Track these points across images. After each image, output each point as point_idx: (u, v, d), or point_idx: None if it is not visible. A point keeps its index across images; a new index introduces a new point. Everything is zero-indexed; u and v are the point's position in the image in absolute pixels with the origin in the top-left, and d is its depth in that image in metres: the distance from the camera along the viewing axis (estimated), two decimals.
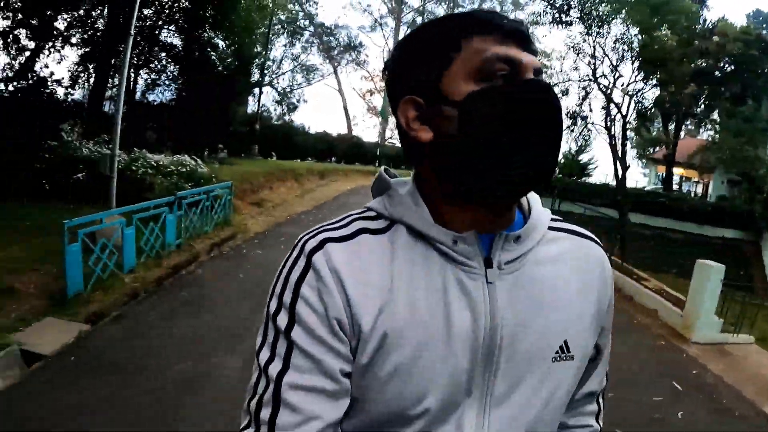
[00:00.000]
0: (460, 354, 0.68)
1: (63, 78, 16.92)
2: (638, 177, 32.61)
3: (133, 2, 7.08)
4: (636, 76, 11.72)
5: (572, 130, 14.44)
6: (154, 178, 9.60)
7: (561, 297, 0.75)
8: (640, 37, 10.86)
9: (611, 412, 3.82)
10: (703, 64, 14.16)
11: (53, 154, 10.97)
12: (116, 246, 6.07)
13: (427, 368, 0.68)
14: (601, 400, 0.91)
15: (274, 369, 0.67)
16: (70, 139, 11.70)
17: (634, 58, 11.31)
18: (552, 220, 0.80)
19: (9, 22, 15.52)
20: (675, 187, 25.40)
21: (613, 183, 15.37)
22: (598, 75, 11.70)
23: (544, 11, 11.99)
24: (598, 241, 0.84)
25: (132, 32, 7.07)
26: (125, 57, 7.32)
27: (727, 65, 15.59)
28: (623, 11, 10.79)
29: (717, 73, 15.63)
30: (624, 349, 5.81)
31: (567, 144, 14.50)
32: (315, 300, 0.67)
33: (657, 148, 24.96)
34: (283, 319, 0.68)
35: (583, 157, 25.98)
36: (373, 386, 0.68)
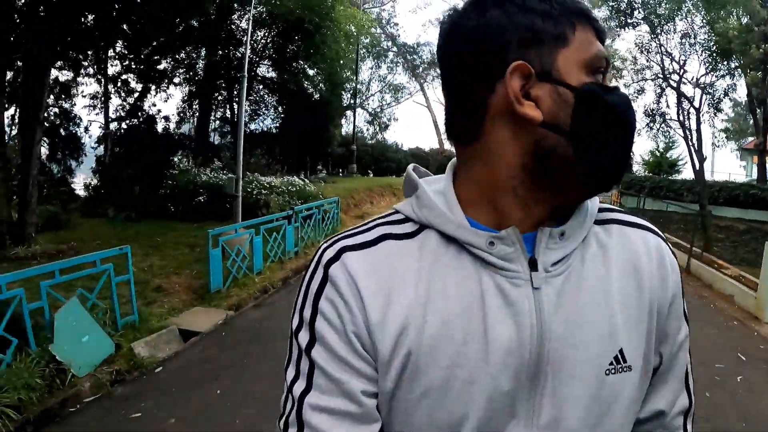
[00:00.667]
0: (501, 373, 0.61)
1: (170, 114, 19.29)
2: (737, 170, 30.84)
3: (242, 45, 8.52)
4: (705, 69, 11.89)
5: (651, 128, 14.50)
6: (269, 197, 11.21)
7: (613, 299, 0.66)
8: (705, 30, 11.11)
9: None
10: None
11: (175, 180, 12.87)
12: (247, 252, 7.51)
13: (462, 392, 0.61)
14: (682, 423, 0.75)
15: (298, 388, 0.63)
16: (188, 167, 13.64)
17: (701, 52, 11.52)
18: (600, 210, 0.71)
19: (119, 68, 18.00)
20: None
21: (713, 178, 14.92)
22: (667, 72, 11.98)
23: (609, 17, 12.47)
24: (657, 230, 0.74)
25: (246, 73, 8.54)
26: (242, 93, 8.86)
27: None
28: (684, 8, 11.11)
29: None
30: (696, 329, 6.31)
31: (651, 141, 14.56)
32: (333, 315, 0.63)
33: (749, 139, 23.80)
34: (304, 337, 0.64)
35: (672, 154, 25.27)
36: (400, 410, 0.63)
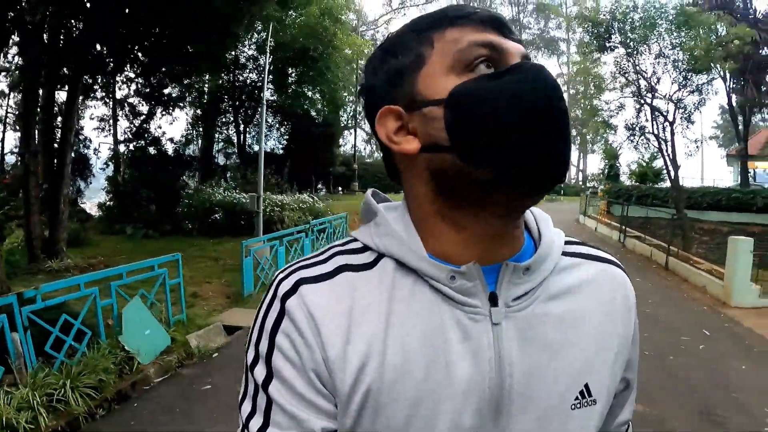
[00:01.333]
0: (463, 410, 0.59)
1: (175, 136, 20.09)
2: (727, 176, 32.13)
3: (261, 72, 9.56)
4: (677, 86, 13.16)
5: (632, 141, 15.63)
6: (283, 214, 12.19)
7: (580, 334, 0.65)
8: (675, 51, 12.43)
9: (645, 343, 5.52)
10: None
11: (190, 200, 13.72)
12: (272, 261, 8.45)
13: (424, 428, 0.59)
14: (630, 428, 0.80)
15: (255, 424, 0.61)
16: (201, 187, 14.54)
17: (672, 70, 12.81)
18: (566, 243, 0.71)
19: (126, 91, 18.69)
20: (751, 181, 25.27)
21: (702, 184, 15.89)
22: (643, 90, 13.23)
23: (589, 41, 13.78)
24: (620, 264, 0.74)
25: (264, 101, 9.57)
26: (262, 118, 9.89)
27: None
28: (656, 31, 12.43)
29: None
30: (671, 314, 7.36)
31: (636, 153, 15.73)
32: (291, 351, 0.60)
33: (735, 145, 25.14)
34: (260, 372, 0.62)
35: (656, 164, 26.50)
36: None
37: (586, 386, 0.64)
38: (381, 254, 0.65)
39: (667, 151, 13.64)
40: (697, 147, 15.41)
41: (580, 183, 45.49)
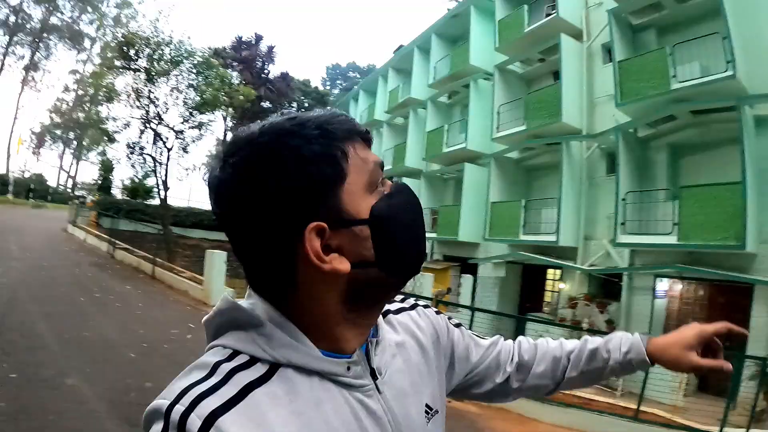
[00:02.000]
0: None
1: None
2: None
3: None
4: (182, 119, 15.40)
5: (129, 158, 16.46)
6: None
7: (415, 374, 0.78)
8: (189, 90, 14.83)
9: (142, 338, 6.58)
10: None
11: None
12: None
13: None
14: (513, 346, 1.01)
15: None
16: None
17: (182, 105, 15.00)
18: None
19: None
20: None
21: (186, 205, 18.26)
22: (152, 115, 14.70)
23: (115, 55, 14.23)
24: (420, 302, 0.90)
25: None
26: None
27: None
28: (178, 69, 14.45)
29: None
30: (160, 314, 8.71)
31: (132, 169, 16.60)
32: None
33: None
34: None
35: (149, 182, 28.18)
36: None
37: (427, 405, 0.78)
38: (275, 364, 0.62)
39: (160, 172, 15.53)
40: (188, 173, 18.04)
41: (69, 190, 42.60)
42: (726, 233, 8.75)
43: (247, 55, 33.31)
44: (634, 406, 7.13)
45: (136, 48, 13.81)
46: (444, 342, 0.87)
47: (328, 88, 56.37)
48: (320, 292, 0.64)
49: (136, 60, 13.83)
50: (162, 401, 0.57)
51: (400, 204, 0.66)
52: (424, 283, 12.45)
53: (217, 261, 10.45)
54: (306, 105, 38.28)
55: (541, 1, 14.46)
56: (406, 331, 0.82)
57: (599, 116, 12.39)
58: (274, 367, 0.62)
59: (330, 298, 0.64)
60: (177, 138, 15.32)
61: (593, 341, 1.00)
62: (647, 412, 7.41)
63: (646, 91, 10.48)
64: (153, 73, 13.92)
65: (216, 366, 0.61)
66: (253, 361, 0.62)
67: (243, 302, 0.67)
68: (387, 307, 0.82)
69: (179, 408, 0.55)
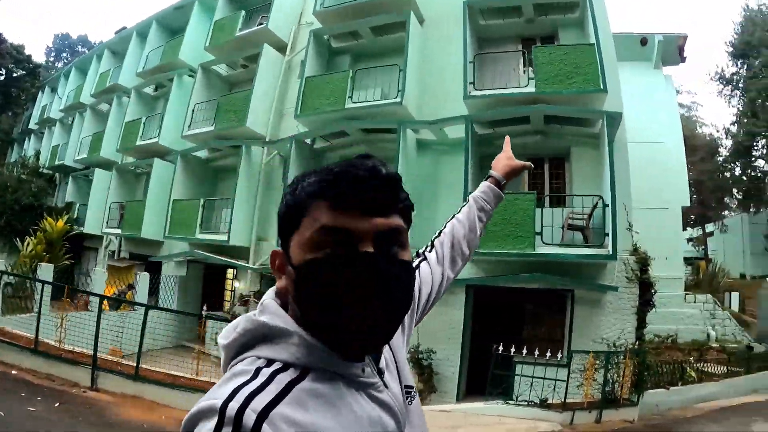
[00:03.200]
0: None
1: None
2: None
3: None
4: None
5: None
6: None
7: (399, 358, 0.92)
8: None
9: None
10: None
11: None
12: None
13: None
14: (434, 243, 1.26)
15: None
16: None
17: None
18: None
19: None
20: None
21: None
22: None
23: None
24: None
25: None
26: None
27: None
28: None
29: None
30: None
31: None
32: None
33: None
34: None
35: None
36: None
37: (407, 386, 0.91)
38: (306, 368, 0.73)
39: None
40: None
41: None
42: None
43: None
44: None
45: None
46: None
47: (51, 60, 48.09)
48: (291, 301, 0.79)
49: None
50: (213, 401, 0.64)
51: (316, 275, 0.73)
52: (96, 280, 11.46)
53: None
54: (14, 75, 32.04)
55: (260, 9, 14.79)
56: None
57: (285, 126, 13.09)
58: (305, 371, 0.73)
59: (293, 310, 0.78)
60: None
61: (472, 197, 1.38)
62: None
63: (324, 107, 11.49)
64: None
65: (258, 370, 0.71)
66: (287, 366, 0.72)
67: (265, 318, 0.77)
68: None
69: (234, 405, 0.63)
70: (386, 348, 0.88)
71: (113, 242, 17.33)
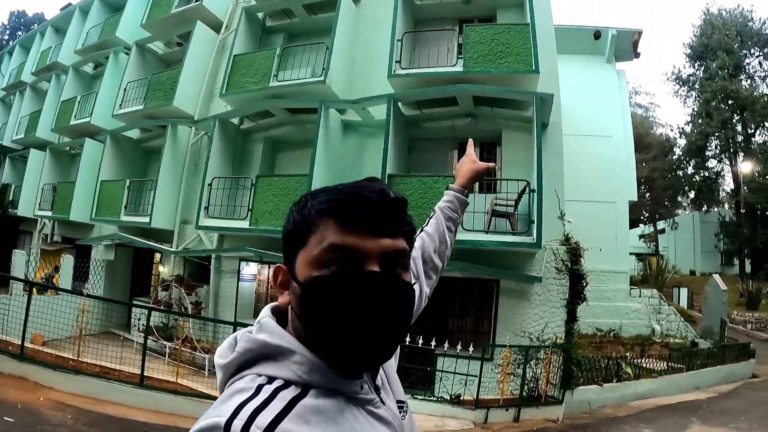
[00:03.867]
0: None
1: None
2: None
3: None
4: None
5: None
6: None
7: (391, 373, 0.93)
8: None
9: None
10: None
11: None
12: None
13: None
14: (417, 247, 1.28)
15: None
16: None
17: None
18: None
19: None
20: None
21: None
22: None
23: None
24: None
25: None
26: None
27: None
28: None
29: None
30: None
31: None
32: None
33: None
34: None
35: None
36: None
37: (399, 401, 0.90)
38: (306, 385, 0.73)
39: None
40: None
41: None
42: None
43: None
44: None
45: None
46: None
47: (5, 38, 46.37)
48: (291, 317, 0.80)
49: None
50: (217, 419, 0.64)
51: (323, 292, 0.73)
52: (16, 261, 10.99)
53: None
54: None
55: None
56: None
57: (216, 107, 12.55)
58: (306, 388, 0.72)
59: (294, 327, 0.80)
60: None
61: (438, 208, 1.41)
62: (158, 379, 7.57)
63: (249, 86, 11.12)
64: None
65: (260, 387, 0.70)
66: (288, 384, 0.72)
67: (263, 336, 0.77)
68: None
69: (238, 423, 0.63)
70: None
71: (47, 225, 16.68)
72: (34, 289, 8.87)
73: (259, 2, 12.30)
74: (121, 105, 13.82)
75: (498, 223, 8.72)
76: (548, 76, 9.29)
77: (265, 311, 0.83)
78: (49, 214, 15.36)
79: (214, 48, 13.33)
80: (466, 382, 7.89)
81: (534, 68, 8.84)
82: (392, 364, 0.97)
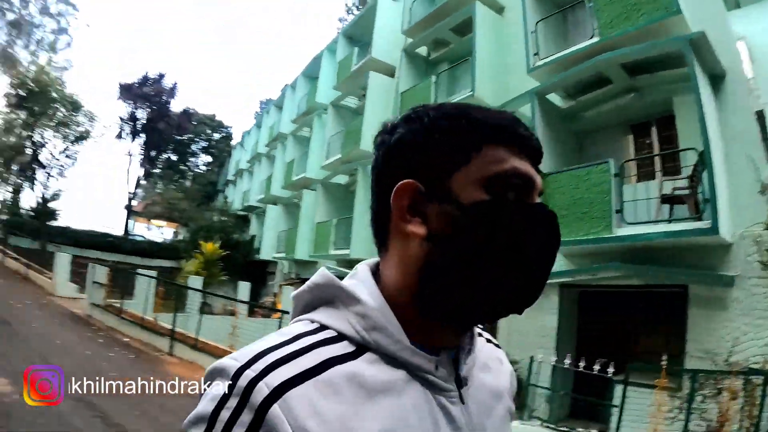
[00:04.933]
0: None
1: None
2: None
3: None
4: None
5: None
6: None
7: (496, 401, 0.73)
8: None
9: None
10: None
11: None
12: None
13: None
14: None
15: None
16: None
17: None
18: None
19: None
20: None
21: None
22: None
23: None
24: (499, 344, 0.83)
25: None
26: None
27: None
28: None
29: None
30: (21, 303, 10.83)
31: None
32: None
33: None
34: None
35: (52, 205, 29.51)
36: None
37: None
38: (363, 346, 0.60)
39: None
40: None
41: None
42: None
43: (149, 91, 34.45)
44: None
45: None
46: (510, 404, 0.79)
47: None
48: (400, 260, 0.64)
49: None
50: (232, 362, 0.54)
51: (509, 220, 0.61)
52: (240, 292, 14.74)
53: (62, 261, 15.13)
54: (213, 138, 40.06)
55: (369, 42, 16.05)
56: (492, 362, 0.78)
57: None
58: (361, 349, 0.60)
59: (405, 268, 0.63)
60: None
61: None
62: None
63: None
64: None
65: (298, 336, 0.59)
66: (340, 337, 0.60)
67: (344, 280, 0.66)
68: (486, 335, 0.80)
69: (249, 373, 0.53)
70: (482, 363, 0.74)
71: (285, 266, 20.33)
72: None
73: (414, 41, 13.66)
74: (326, 156, 16.58)
75: (666, 211, 7.08)
76: (712, 18, 7.53)
77: (364, 263, 0.71)
78: (283, 255, 18.80)
79: (392, 91, 14.72)
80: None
81: (675, 9, 7.12)
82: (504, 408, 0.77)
